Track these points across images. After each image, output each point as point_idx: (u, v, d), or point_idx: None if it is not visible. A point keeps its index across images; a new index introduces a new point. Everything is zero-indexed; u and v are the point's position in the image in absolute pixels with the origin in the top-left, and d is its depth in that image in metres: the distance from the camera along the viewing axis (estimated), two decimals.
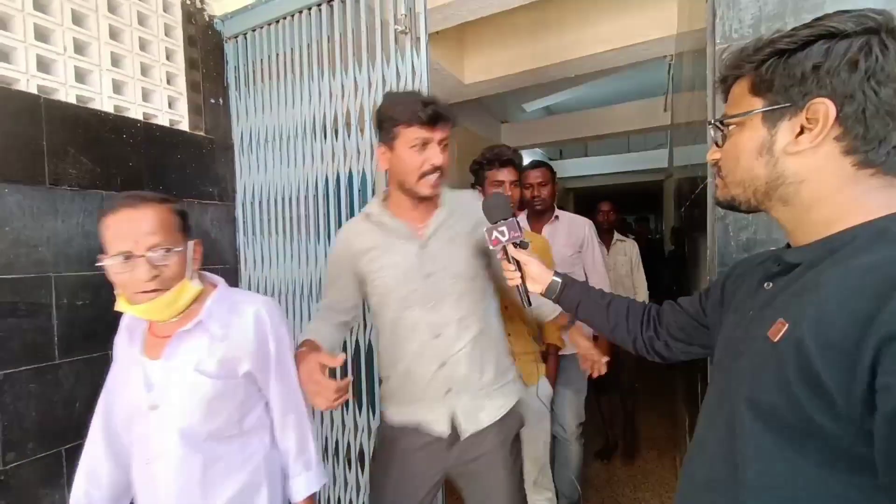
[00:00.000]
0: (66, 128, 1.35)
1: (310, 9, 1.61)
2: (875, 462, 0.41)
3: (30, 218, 1.27)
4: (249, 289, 1.87)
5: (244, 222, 1.86)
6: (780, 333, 0.48)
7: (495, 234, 0.95)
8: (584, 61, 2.64)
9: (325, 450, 1.70)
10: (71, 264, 1.35)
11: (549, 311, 1.22)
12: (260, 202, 1.82)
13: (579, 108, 5.12)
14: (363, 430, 1.62)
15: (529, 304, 0.95)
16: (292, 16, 1.65)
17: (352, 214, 1.59)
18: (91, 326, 1.38)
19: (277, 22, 1.69)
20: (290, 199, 1.73)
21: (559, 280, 0.93)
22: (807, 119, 0.50)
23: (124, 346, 0.95)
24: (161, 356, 0.89)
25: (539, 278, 0.94)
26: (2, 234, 1.22)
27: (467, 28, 2.64)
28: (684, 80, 2.03)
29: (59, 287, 1.32)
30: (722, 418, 0.56)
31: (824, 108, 0.48)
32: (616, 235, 2.68)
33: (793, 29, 0.50)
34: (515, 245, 0.95)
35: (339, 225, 1.62)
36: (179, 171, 1.66)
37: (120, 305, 0.88)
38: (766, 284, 0.58)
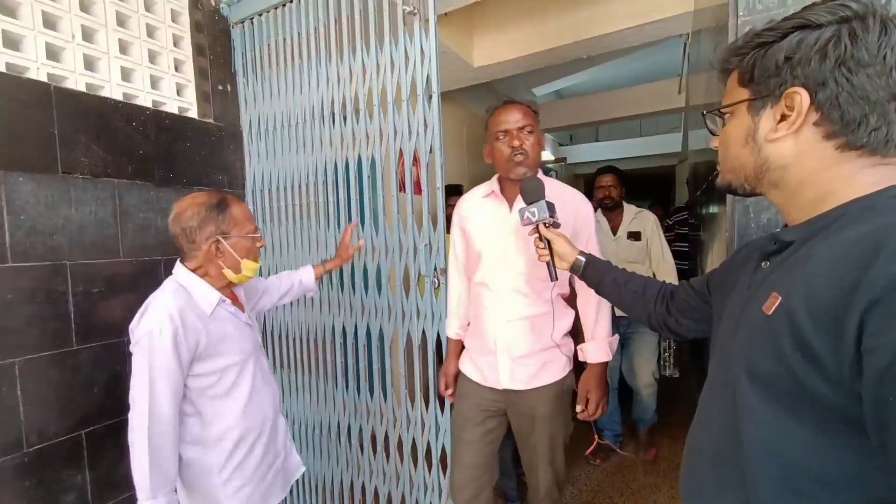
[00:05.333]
0: (77, 116, 1.35)
1: None
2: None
3: (44, 206, 1.28)
4: (262, 276, 1.88)
5: (254, 209, 1.86)
6: (774, 306, 0.50)
7: (527, 213, 1.05)
8: (596, 41, 2.56)
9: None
10: (86, 252, 1.36)
11: None
12: (270, 189, 1.82)
13: (590, 92, 5.03)
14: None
15: (556, 278, 1.05)
16: None
17: (361, 200, 1.58)
18: (106, 313, 1.40)
19: (284, 5, 1.67)
20: (300, 186, 1.73)
21: (583, 259, 1.02)
22: (786, 107, 0.53)
23: None
24: None
25: (565, 256, 1.03)
26: (18, 222, 1.23)
27: (476, 9, 2.58)
28: (702, 58, 1.96)
29: (75, 275, 1.34)
30: (724, 392, 0.58)
31: (799, 96, 0.51)
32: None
33: (776, 22, 0.54)
34: (546, 225, 1.04)
35: (349, 210, 1.61)
36: (189, 158, 1.66)
37: None
38: (763, 263, 0.60)
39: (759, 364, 0.51)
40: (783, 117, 0.53)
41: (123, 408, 1.44)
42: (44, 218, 1.28)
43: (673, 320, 0.87)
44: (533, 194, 1.06)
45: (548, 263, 1.05)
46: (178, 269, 1.08)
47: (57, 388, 1.30)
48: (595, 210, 2.38)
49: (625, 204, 2.40)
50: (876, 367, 0.40)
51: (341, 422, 1.74)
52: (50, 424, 1.28)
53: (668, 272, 2.26)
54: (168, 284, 1.05)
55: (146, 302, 1.03)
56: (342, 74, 1.57)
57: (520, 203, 1.17)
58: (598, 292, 1.03)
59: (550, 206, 1.04)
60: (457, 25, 2.66)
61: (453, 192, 2.53)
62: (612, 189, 2.38)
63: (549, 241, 1.04)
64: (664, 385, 2.47)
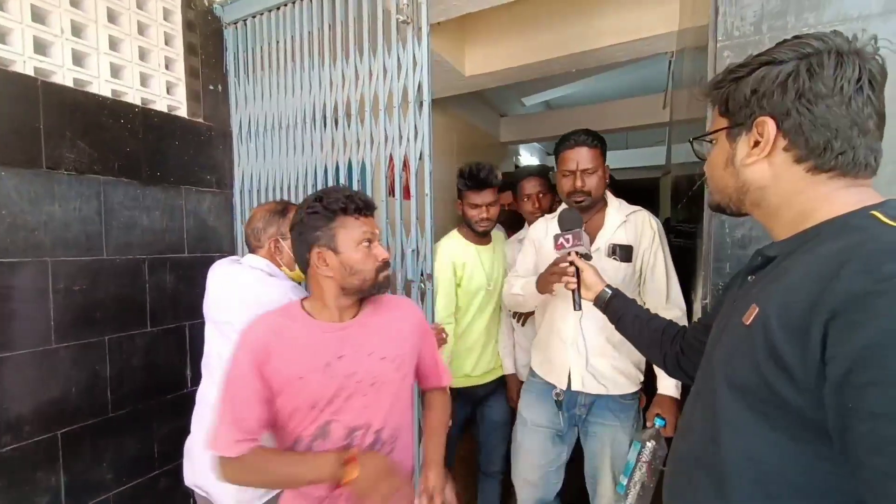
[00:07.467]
0: (64, 111, 1.33)
1: None
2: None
3: (27, 202, 1.26)
4: None
5: (242, 210, 1.85)
6: (752, 317, 0.54)
7: (561, 239, 1.08)
8: (585, 56, 2.62)
9: None
10: (68, 249, 1.34)
11: None
12: (258, 190, 1.81)
13: (578, 104, 5.11)
14: None
15: (580, 307, 1.06)
16: (293, 3, 1.64)
17: None
18: (87, 312, 1.38)
19: (278, 9, 1.68)
20: (289, 188, 1.73)
21: (609, 291, 1.04)
22: (758, 133, 0.58)
23: None
24: None
25: (592, 286, 1.06)
26: None
27: (469, 20, 2.61)
28: (684, 76, 2.03)
29: (56, 272, 1.31)
30: (705, 400, 0.61)
31: (766, 124, 0.56)
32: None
33: (749, 57, 0.59)
34: (578, 254, 1.07)
35: None
36: (177, 157, 1.65)
37: None
38: (749, 277, 0.64)
39: (738, 372, 0.54)
40: (756, 143, 0.58)
41: (102, 408, 1.43)
42: (26, 213, 1.26)
43: (686, 360, 0.87)
44: (569, 223, 1.11)
45: (573, 292, 1.06)
46: (251, 258, 1.30)
47: (33, 386, 1.27)
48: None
49: (610, 198, 1.49)
50: (835, 375, 0.43)
51: None
52: (25, 424, 1.26)
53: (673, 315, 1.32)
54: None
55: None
56: (335, 79, 1.58)
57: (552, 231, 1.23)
58: (617, 328, 1.02)
59: (585, 237, 1.09)
60: (449, 35, 2.70)
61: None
62: (587, 175, 1.35)
63: (578, 270, 1.07)
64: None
